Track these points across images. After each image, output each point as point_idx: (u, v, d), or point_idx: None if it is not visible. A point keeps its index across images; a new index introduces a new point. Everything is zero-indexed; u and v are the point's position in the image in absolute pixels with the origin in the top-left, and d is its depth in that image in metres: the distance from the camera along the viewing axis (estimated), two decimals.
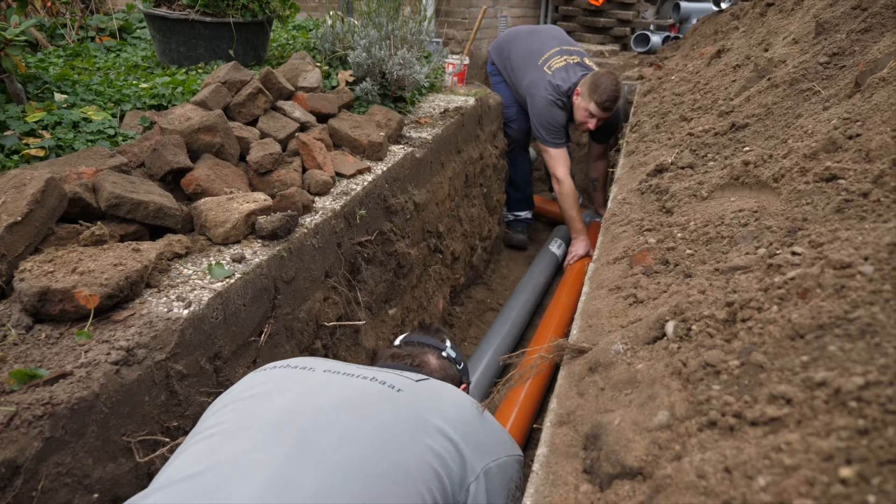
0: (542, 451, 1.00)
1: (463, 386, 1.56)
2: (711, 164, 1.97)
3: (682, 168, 2.04)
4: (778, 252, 1.17)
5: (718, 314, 1.00)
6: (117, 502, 1.25)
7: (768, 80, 2.23)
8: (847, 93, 1.73)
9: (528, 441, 2.52)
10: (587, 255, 3.72)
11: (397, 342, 1.59)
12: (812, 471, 0.63)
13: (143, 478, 1.30)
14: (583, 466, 0.92)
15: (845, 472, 0.61)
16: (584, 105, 3.60)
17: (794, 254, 1.11)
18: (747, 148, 1.90)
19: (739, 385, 0.83)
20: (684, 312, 1.07)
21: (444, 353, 1.54)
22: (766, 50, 2.70)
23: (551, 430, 1.04)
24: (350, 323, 2.11)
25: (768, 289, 1.00)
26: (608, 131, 4.00)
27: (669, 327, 1.06)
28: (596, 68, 3.85)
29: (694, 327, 1.02)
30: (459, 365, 1.58)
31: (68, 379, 1.18)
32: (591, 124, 3.67)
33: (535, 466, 0.97)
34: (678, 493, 0.73)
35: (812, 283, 0.92)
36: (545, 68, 3.78)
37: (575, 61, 3.80)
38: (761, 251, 1.23)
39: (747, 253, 1.27)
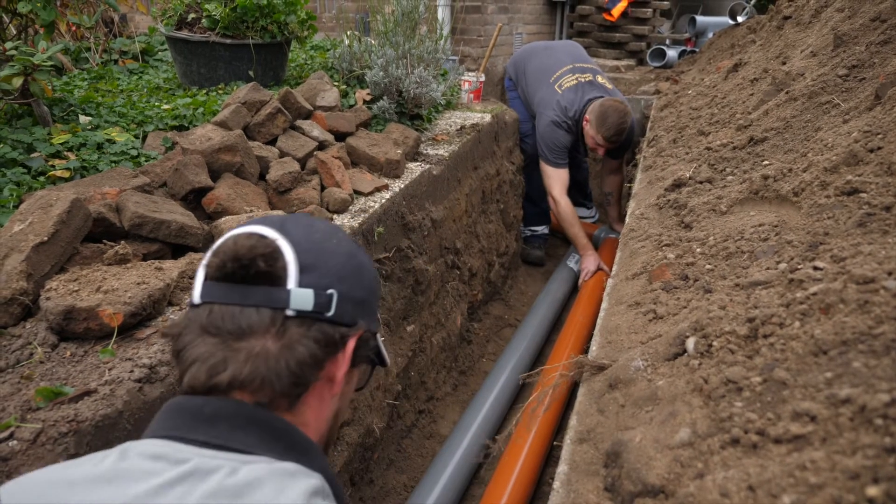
0: (562, 468, 0.99)
1: (355, 336, 0.82)
2: (730, 178, 1.96)
3: (701, 182, 2.03)
4: (799, 267, 1.16)
5: (739, 330, 0.99)
6: None
7: (786, 93, 2.22)
8: (867, 105, 1.71)
9: (548, 459, 2.50)
10: (599, 270, 3.71)
11: (197, 298, 0.77)
12: (838, 489, 0.62)
13: None
14: (604, 484, 0.92)
15: (872, 491, 0.60)
16: (592, 134, 3.64)
17: (815, 268, 1.10)
18: (766, 162, 1.89)
19: (762, 402, 0.82)
20: (705, 328, 1.07)
21: (289, 310, 0.76)
22: (784, 63, 2.69)
23: (571, 447, 1.03)
24: None
25: (790, 304, 0.99)
26: (622, 147, 4.00)
27: (690, 343, 1.05)
28: (609, 86, 3.84)
29: (715, 343, 1.01)
30: (330, 310, 0.78)
31: (93, 396, 1.20)
32: (601, 151, 3.73)
33: (556, 485, 0.96)
34: None
35: (835, 299, 0.92)
36: (556, 87, 3.80)
37: (587, 79, 3.80)
38: (782, 266, 1.22)
39: (768, 268, 1.26)
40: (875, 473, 0.61)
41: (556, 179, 3.82)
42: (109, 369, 1.27)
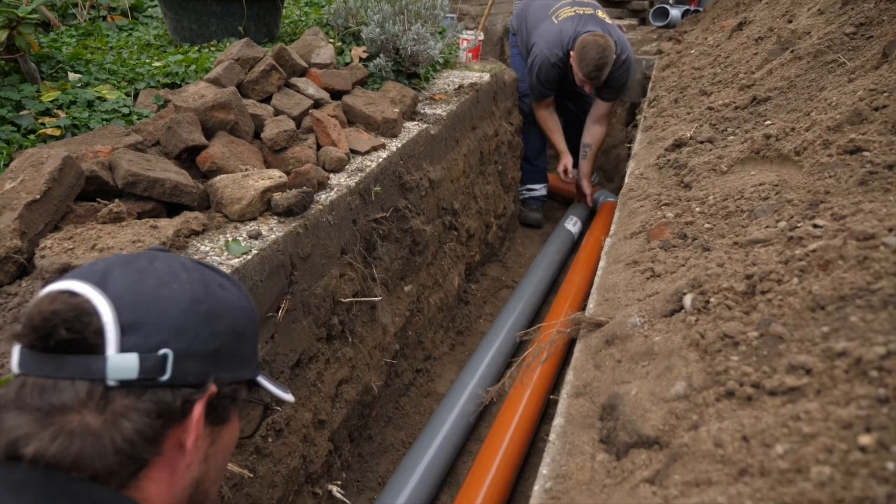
0: (558, 421, 1.00)
1: (204, 397, 0.71)
2: (731, 138, 1.94)
3: (701, 143, 2.01)
4: (799, 225, 1.15)
5: (737, 286, 0.99)
6: None
7: (792, 52, 2.18)
8: (874, 63, 1.68)
9: (544, 417, 2.53)
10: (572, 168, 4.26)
11: (14, 367, 0.67)
12: (831, 438, 0.62)
13: None
14: (599, 436, 0.92)
15: (864, 439, 0.60)
16: (576, 70, 3.64)
17: (815, 226, 1.09)
18: (768, 122, 1.87)
19: (758, 356, 0.82)
20: (702, 285, 1.06)
21: (110, 381, 0.65)
22: (790, 21, 2.64)
23: (567, 401, 1.04)
24: (366, 299, 2.12)
25: (789, 261, 0.99)
26: (615, 88, 3.95)
27: (687, 300, 1.05)
28: (609, 22, 3.79)
29: (712, 300, 1.01)
30: (165, 374, 0.68)
31: None
32: (588, 88, 3.73)
33: (552, 437, 0.97)
34: (695, 462, 0.72)
35: (834, 255, 0.91)
36: (553, 18, 3.77)
37: (587, 13, 3.74)
38: (782, 224, 1.22)
39: (767, 226, 1.26)
40: (868, 423, 0.62)
41: (538, 105, 4.05)
42: None
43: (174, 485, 0.70)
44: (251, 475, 1.60)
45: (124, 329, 0.65)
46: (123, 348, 0.65)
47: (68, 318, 0.64)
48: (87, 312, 0.65)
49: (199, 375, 0.70)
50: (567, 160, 4.28)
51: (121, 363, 0.64)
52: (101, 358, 0.64)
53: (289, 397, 0.88)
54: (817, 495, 0.58)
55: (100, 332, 0.64)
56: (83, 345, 0.64)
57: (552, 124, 4.17)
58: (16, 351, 0.66)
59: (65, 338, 0.63)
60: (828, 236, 1.00)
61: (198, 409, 0.69)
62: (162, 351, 0.67)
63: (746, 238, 1.22)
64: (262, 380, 0.83)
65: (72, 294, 0.66)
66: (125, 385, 0.65)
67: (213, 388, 0.71)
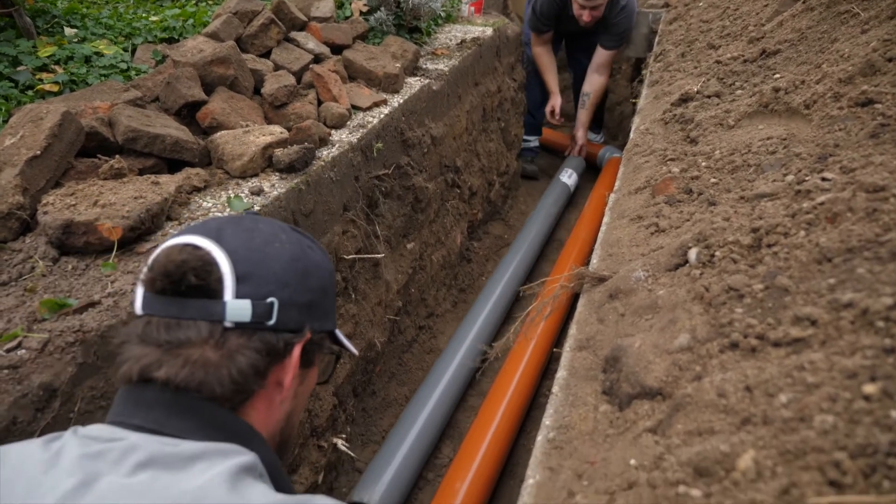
0: (561, 374, 1.01)
1: (301, 341, 0.80)
2: (739, 92, 1.90)
3: (709, 97, 1.98)
4: (807, 178, 1.14)
5: (743, 240, 0.99)
6: None
7: (803, 2, 2.12)
8: (889, 14, 1.64)
9: (545, 373, 2.56)
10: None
11: (138, 308, 0.75)
12: (835, 388, 0.63)
13: None
14: (602, 388, 0.93)
15: (869, 388, 0.61)
16: None
17: (824, 179, 1.08)
18: (778, 75, 1.83)
19: (763, 308, 0.82)
20: (708, 239, 1.06)
21: (227, 322, 0.73)
22: None
23: (571, 354, 1.04)
24: (369, 256, 2.13)
25: (796, 214, 0.98)
26: (616, 36, 3.89)
27: (692, 254, 1.05)
28: None
29: (717, 253, 1.00)
30: (271, 319, 0.76)
31: (97, 308, 1.20)
32: (586, 16, 3.67)
33: (555, 389, 0.98)
34: (697, 412, 0.73)
35: (842, 207, 0.90)
36: None
37: None
38: (789, 178, 1.20)
39: (774, 180, 1.24)
40: (873, 372, 0.62)
41: (535, 40, 4.04)
42: (112, 282, 1.28)
43: (271, 416, 0.80)
44: None
45: (239, 279, 0.74)
46: (238, 295, 0.73)
47: (196, 267, 0.72)
48: (209, 262, 0.73)
49: (298, 322, 0.79)
50: (555, 101, 4.26)
51: (237, 308, 0.73)
52: (220, 303, 0.72)
53: (355, 350, 0.95)
54: (820, 443, 0.59)
55: (220, 280, 0.73)
56: (206, 290, 0.72)
57: (547, 61, 4.14)
58: (139, 295, 0.74)
59: (193, 284, 0.71)
60: (836, 189, 0.99)
61: (296, 351, 0.79)
62: (269, 299, 0.75)
63: (753, 192, 1.21)
64: (338, 333, 0.92)
65: (195, 247, 0.73)
66: (239, 327, 0.73)
67: (307, 335, 0.80)
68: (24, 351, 1.10)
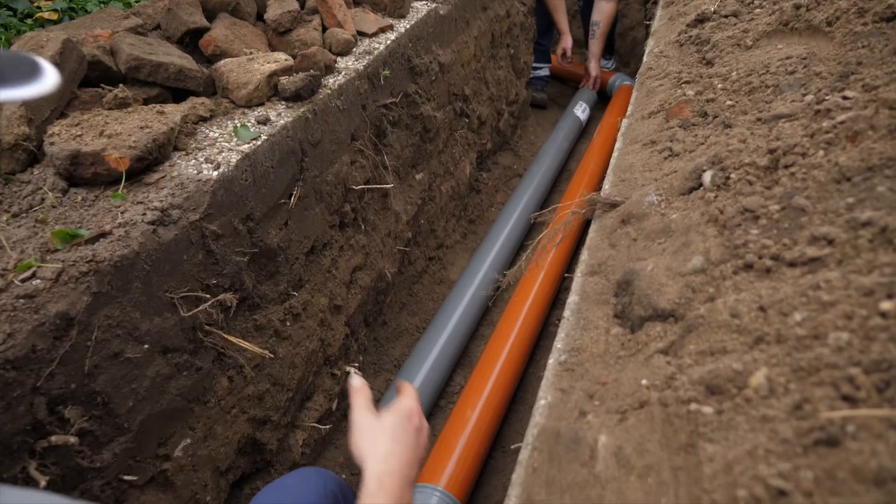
0: (572, 299, 1.01)
1: None
2: (758, 10, 1.83)
3: (726, 17, 1.90)
4: (827, 97, 1.11)
5: (760, 161, 0.97)
6: (166, 353, 1.32)
7: None
8: None
9: (555, 303, 2.58)
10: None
11: None
12: (851, 305, 0.63)
13: (189, 331, 1.36)
14: (614, 312, 0.94)
15: (886, 305, 0.60)
16: None
17: (845, 98, 1.04)
18: None
19: (779, 228, 0.81)
20: (723, 161, 1.04)
21: None
22: None
23: (582, 279, 1.05)
24: (378, 186, 2.11)
25: (814, 134, 0.96)
26: None
27: (707, 177, 1.03)
28: None
29: (733, 175, 0.99)
30: None
31: (108, 238, 1.21)
32: None
33: (566, 313, 0.99)
34: (710, 332, 0.74)
35: (864, 126, 0.88)
36: None
37: None
38: (808, 98, 1.17)
39: (793, 101, 1.21)
40: (890, 289, 0.61)
41: None
42: (122, 213, 1.28)
43: None
44: (272, 356, 1.66)
45: None
46: None
47: None
48: None
49: None
50: (567, 42, 4.21)
51: None
52: None
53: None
54: (834, 359, 0.59)
55: None
56: None
57: (557, 1, 4.05)
58: None
59: None
60: (858, 107, 0.96)
61: None
62: None
63: (770, 113, 1.18)
64: None
65: None
66: None
67: None
68: (38, 281, 1.11)
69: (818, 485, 0.51)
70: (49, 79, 0.65)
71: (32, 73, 0.62)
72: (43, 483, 1.07)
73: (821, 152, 0.90)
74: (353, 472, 2.03)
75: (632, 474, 0.66)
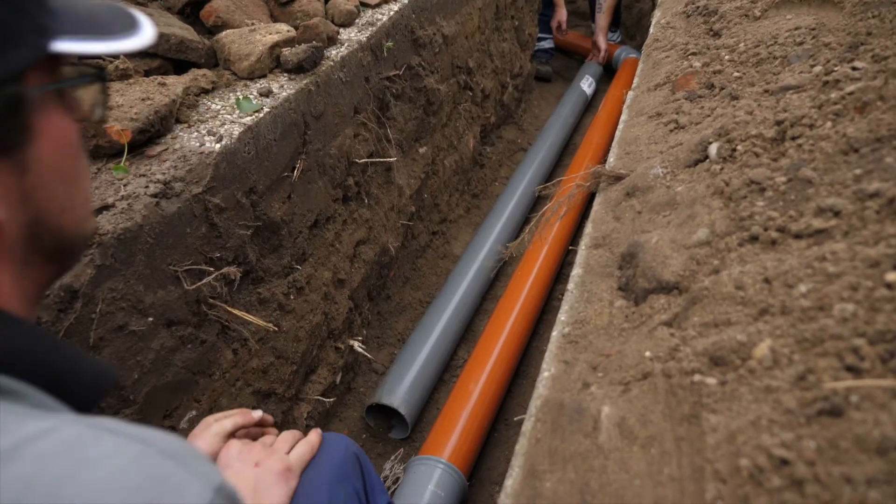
0: (576, 272, 1.01)
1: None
2: None
3: None
4: (836, 68, 1.09)
5: (766, 133, 0.96)
6: (171, 326, 1.33)
7: None
8: None
9: (558, 277, 2.58)
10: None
11: None
12: (856, 277, 0.62)
13: (193, 304, 1.37)
14: (618, 284, 0.94)
15: (892, 276, 0.60)
16: None
17: (854, 69, 1.03)
18: None
19: (785, 200, 0.80)
20: (730, 133, 1.03)
21: None
22: None
23: (586, 252, 1.04)
24: (382, 160, 2.10)
25: (822, 105, 0.95)
26: None
27: (713, 149, 1.02)
28: None
29: (739, 147, 0.98)
30: None
31: (111, 211, 1.21)
32: None
33: (570, 286, 0.98)
34: (714, 304, 0.73)
35: (873, 96, 0.87)
36: None
37: None
38: (817, 69, 1.15)
39: (801, 72, 1.19)
40: None
41: None
42: (124, 185, 1.27)
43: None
44: (276, 329, 1.67)
45: None
46: None
47: None
48: None
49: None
50: (561, 15, 4.15)
51: None
52: None
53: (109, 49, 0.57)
54: (839, 330, 0.59)
55: None
56: None
57: None
58: None
59: None
60: (867, 78, 0.95)
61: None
62: None
63: (778, 85, 1.16)
64: (64, 45, 0.50)
65: None
66: None
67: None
68: None
69: (821, 454, 0.52)
70: (147, 32, 0.59)
71: (132, 26, 0.58)
72: None
73: (829, 123, 0.89)
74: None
75: (635, 445, 0.67)
